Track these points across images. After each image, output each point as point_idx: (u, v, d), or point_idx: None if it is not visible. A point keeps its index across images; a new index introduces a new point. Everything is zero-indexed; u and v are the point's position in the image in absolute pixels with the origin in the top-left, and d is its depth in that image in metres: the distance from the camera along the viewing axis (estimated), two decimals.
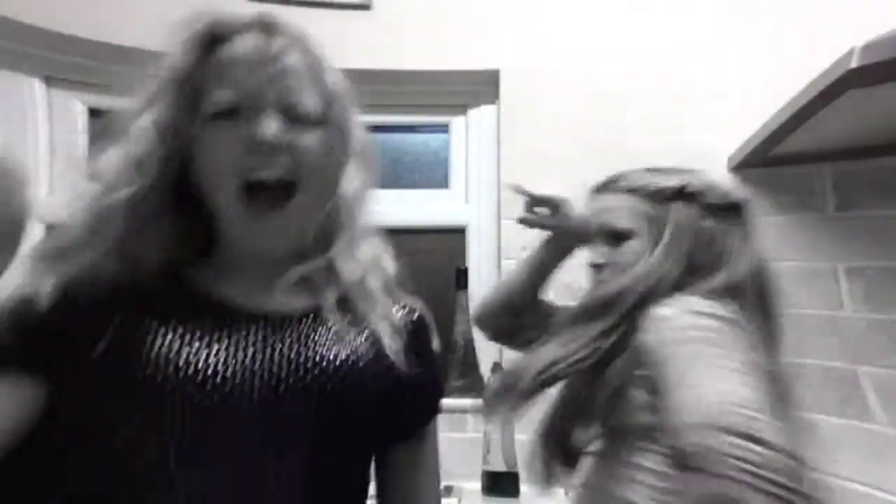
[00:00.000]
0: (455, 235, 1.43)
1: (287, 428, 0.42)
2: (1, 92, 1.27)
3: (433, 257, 1.41)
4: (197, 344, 0.41)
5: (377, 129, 1.50)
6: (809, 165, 1.12)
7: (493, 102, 1.45)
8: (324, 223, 0.50)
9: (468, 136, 1.48)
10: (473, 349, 1.27)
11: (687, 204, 0.72)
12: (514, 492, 1.05)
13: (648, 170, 0.81)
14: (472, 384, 1.23)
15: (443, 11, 1.42)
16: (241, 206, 0.44)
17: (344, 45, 1.51)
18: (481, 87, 1.44)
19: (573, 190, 1.32)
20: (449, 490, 1.10)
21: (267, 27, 0.48)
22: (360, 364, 0.47)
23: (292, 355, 0.44)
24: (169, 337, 0.41)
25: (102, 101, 1.39)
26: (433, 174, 1.49)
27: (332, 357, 0.45)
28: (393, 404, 0.49)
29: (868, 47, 0.72)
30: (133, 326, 0.41)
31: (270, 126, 0.43)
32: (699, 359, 0.50)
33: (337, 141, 0.50)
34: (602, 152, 1.31)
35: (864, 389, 0.99)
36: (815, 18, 1.18)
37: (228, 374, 0.41)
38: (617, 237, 0.72)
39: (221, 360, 0.41)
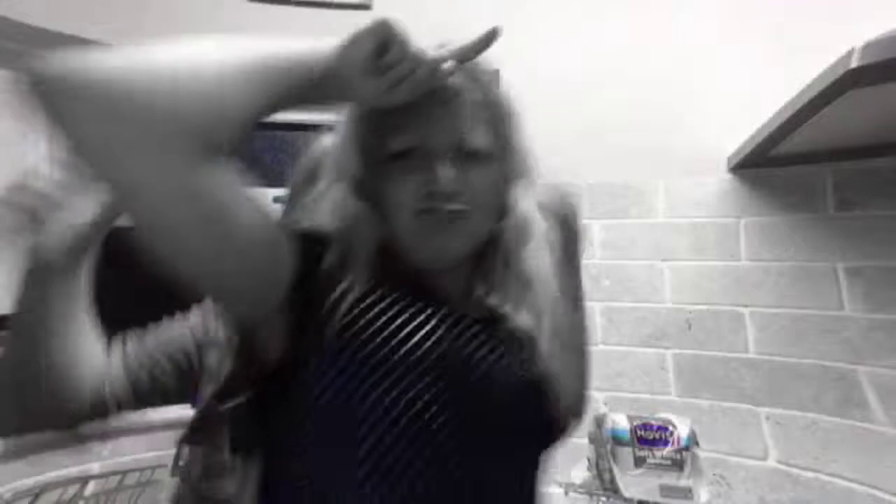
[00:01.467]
0: None
1: None
2: (1, 92, 1.27)
3: None
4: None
5: None
6: (809, 165, 1.12)
7: None
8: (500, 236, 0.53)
9: None
10: None
11: None
12: None
13: None
14: None
15: (442, 12, 1.42)
16: (417, 227, 0.48)
17: None
18: None
19: (573, 190, 1.33)
20: None
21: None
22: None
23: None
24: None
25: None
26: None
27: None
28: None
29: (868, 47, 0.72)
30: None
31: (446, 173, 0.46)
32: None
33: (506, 168, 0.53)
34: (601, 152, 1.31)
35: (864, 389, 0.99)
36: (815, 18, 1.18)
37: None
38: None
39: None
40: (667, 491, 0.93)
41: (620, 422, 1.00)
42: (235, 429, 0.53)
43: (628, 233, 1.26)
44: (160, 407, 0.59)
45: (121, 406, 0.55)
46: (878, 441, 0.96)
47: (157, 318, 0.64)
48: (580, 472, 1.09)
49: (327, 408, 0.42)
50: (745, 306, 1.16)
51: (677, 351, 1.19)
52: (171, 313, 0.64)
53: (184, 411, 1.30)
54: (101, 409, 0.53)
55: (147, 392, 0.57)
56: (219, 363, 0.59)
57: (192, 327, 0.63)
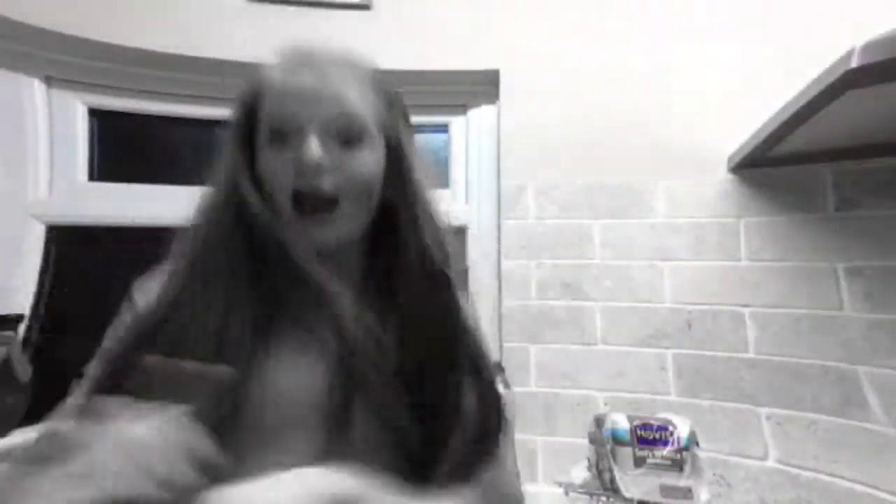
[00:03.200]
0: (455, 235, 1.43)
1: None
2: (1, 92, 1.27)
3: None
4: None
5: None
6: (809, 165, 1.12)
7: (493, 102, 1.45)
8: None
9: (468, 136, 1.48)
10: None
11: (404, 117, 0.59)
12: None
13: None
14: None
15: (443, 11, 1.42)
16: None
17: (344, 45, 1.52)
18: (481, 87, 1.44)
19: (573, 190, 1.33)
20: None
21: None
22: None
23: None
24: None
25: (102, 101, 1.40)
26: (433, 174, 1.49)
27: None
28: None
29: (868, 47, 0.72)
30: None
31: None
32: None
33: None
34: (602, 152, 1.31)
35: (864, 389, 0.99)
36: (815, 18, 1.18)
37: None
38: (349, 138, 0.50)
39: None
40: (667, 491, 0.93)
41: (620, 422, 1.00)
42: None
43: (628, 233, 1.26)
44: None
45: None
46: (878, 441, 0.96)
47: None
48: (580, 472, 1.09)
49: None
50: (745, 306, 1.16)
51: (677, 351, 1.19)
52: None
53: None
54: None
55: None
56: None
57: None
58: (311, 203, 0.48)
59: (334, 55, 0.52)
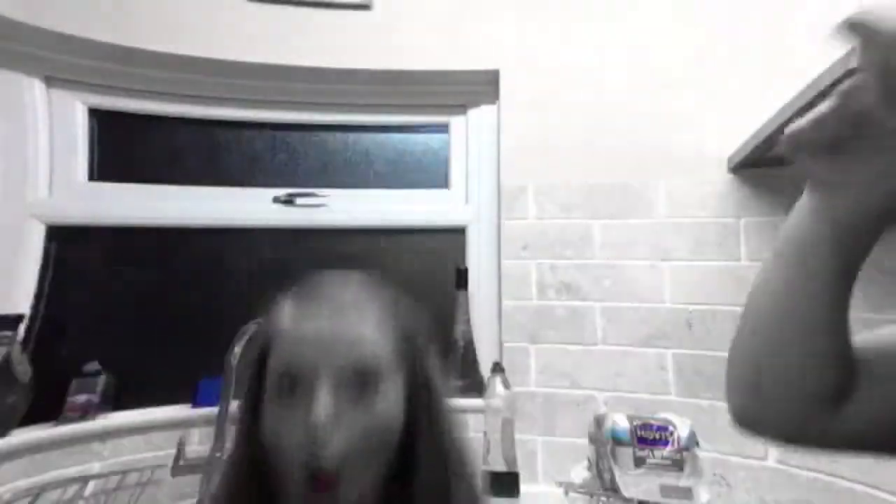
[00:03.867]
0: (455, 235, 1.43)
1: None
2: (1, 92, 1.27)
3: (433, 257, 1.41)
4: None
5: (377, 129, 1.51)
6: None
7: (493, 102, 1.45)
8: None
9: (468, 136, 1.48)
10: (474, 349, 1.28)
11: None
12: (514, 492, 1.05)
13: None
14: (473, 384, 1.24)
15: (443, 11, 1.42)
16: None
17: (344, 45, 1.52)
18: (481, 87, 1.44)
19: (573, 190, 1.33)
20: None
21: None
22: None
23: None
24: None
25: (102, 101, 1.40)
26: (433, 174, 1.49)
27: None
28: None
29: None
30: None
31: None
32: None
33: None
34: (602, 152, 1.31)
35: None
36: (815, 19, 1.18)
37: None
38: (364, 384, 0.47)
39: None
40: (667, 491, 0.93)
41: (620, 422, 1.00)
42: None
43: (628, 233, 1.26)
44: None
45: None
46: None
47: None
48: (580, 472, 1.09)
49: None
50: None
51: (677, 351, 1.19)
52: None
53: (183, 411, 1.29)
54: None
55: None
56: None
57: None
58: (317, 476, 0.43)
59: (350, 290, 0.49)
